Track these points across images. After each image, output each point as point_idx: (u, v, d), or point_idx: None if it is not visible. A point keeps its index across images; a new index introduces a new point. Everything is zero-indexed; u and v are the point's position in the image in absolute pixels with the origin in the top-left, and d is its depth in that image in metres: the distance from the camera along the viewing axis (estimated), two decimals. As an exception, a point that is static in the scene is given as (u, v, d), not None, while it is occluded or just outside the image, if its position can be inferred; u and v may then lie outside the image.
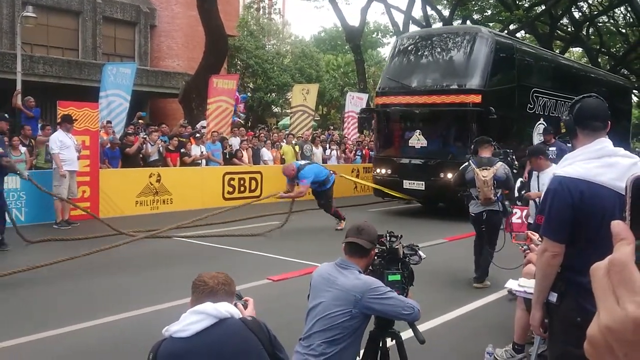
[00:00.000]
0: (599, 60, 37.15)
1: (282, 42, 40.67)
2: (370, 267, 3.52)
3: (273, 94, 32.88)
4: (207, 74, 17.10)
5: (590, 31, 36.91)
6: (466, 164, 7.44)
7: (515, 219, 7.52)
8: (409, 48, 14.45)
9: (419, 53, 14.22)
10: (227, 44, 20.02)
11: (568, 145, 10.96)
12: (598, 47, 36.64)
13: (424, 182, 13.00)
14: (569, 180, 2.88)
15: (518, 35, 30.87)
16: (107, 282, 7.14)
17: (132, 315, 5.84)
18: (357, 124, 17.22)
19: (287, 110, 29.68)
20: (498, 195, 7.10)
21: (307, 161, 12.08)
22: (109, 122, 13.77)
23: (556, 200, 2.91)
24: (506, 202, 7.24)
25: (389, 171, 13.90)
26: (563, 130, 12.52)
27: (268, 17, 40.65)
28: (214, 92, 16.40)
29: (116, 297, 6.49)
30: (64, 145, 10.51)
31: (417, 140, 13.26)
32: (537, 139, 14.24)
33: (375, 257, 3.55)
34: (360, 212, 13.28)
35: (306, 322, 3.37)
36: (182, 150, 14.09)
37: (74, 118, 10.90)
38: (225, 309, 2.60)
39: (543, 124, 14.58)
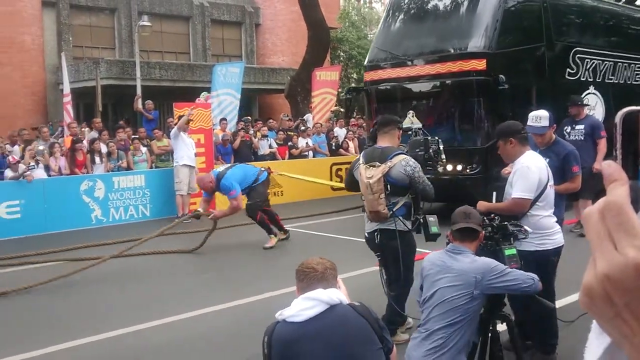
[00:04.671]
0: None
1: (384, 30, 40.40)
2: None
3: (377, 83, 32.82)
4: (311, 68, 17.44)
5: None
6: (358, 157, 5.19)
7: None
8: (403, 10, 11.57)
9: (415, 14, 11.35)
10: (329, 36, 20.26)
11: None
12: None
13: None
14: None
15: None
16: (215, 272, 7.65)
17: (243, 303, 6.16)
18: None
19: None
20: (395, 209, 4.64)
21: (227, 165, 9.59)
22: (224, 119, 14.44)
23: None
24: (429, 217, 4.69)
25: None
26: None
27: (369, 6, 40.56)
28: (317, 85, 16.70)
29: (229, 285, 6.90)
30: (182, 142, 11.20)
31: (411, 123, 10.36)
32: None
33: (481, 243, 3.58)
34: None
35: (423, 312, 3.42)
36: (289, 143, 14.50)
37: (189, 119, 11.51)
38: (335, 295, 2.69)
39: (594, 93, 11.22)
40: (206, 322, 5.69)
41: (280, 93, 22.92)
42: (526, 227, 3.77)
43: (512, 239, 3.71)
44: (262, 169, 9.08)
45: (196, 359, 4.94)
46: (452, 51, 10.11)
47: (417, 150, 4.93)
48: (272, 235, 8.78)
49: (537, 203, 4.20)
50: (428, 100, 10.88)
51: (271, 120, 16.26)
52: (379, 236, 4.74)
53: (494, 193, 4.56)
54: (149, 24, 18.29)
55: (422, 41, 10.72)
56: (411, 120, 10.36)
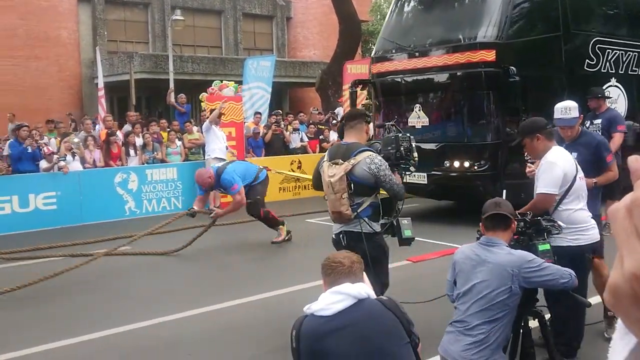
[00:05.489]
0: None
1: (416, 23, 40.04)
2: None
3: (408, 76, 32.56)
4: (342, 61, 17.38)
5: None
6: (324, 154, 4.86)
7: None
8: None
9: (422, 4, 10.82)
10: (360, 29, 20.17)
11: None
12: None
13: (425, 174, 9.39)
14: None
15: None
16: (235, 267, 7.69)
17: (268, 297, 6.19)
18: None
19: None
20: (360, 210, 4.27)
21: (226, 161, 9.26)
22: (258, 112, 14.51)
23: None
24: (402, 220, 4.43)
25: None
26: None
27: (401, -2, 40.24)
28: (348, 78, 16.63)
29: (252, 280, 6.92)
30: (214, 135, 11.30)
31: (417, 117, 9.91)
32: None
33: (513, 238, 3.52)
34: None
35: (458, 306, 3.36)
36: (320, 137, 14.53)
37: (221, 112, 11.62)
38: (364, 290, 2.70)
39: (617, 86, 10.39)
40: (229, 315, 5.74)
41: (311, 86, 22.94)
42: (559, 222, 3.69)
43: (545, 234, 3.64)
44: (261, 167, 8.83)
45: (219, 351, 4.96)
46: (460, 41, 9.54)
47: (389, 148, 4.49)
48: (281, 226, 8.55)
49: (567, 197, 4.04)
50: (435, 93, 10.25)
51: (302, 114, 16.29)
52: (344, 238, 4.37)
53: (504, 191, 4.39)
54: (181, 18, 18.48)
55: (429, 31, 10.20)
56: (418, 114, 9.93)
